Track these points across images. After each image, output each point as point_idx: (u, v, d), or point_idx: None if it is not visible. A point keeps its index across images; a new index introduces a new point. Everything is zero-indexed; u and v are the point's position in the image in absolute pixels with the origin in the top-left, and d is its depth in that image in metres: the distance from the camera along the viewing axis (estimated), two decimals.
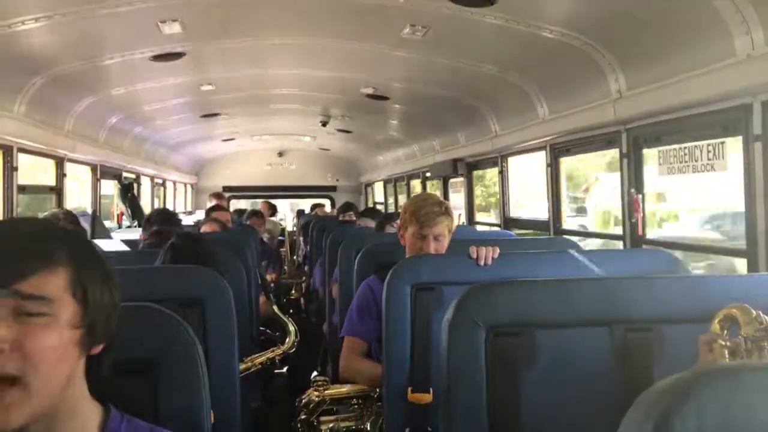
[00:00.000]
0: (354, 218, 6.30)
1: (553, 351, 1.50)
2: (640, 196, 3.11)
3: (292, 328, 3.17)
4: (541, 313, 1.53)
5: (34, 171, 4.76)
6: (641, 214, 3.08)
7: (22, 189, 4.06)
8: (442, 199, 2.71)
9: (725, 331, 1.26)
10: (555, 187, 4.13)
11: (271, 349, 2.92)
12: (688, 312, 1.52)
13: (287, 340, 3.05)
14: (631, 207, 3.11)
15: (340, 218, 6.80)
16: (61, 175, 4.78)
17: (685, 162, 2.80)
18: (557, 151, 4.10)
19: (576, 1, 3.00)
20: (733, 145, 2.60)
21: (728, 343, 1.22)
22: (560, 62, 3.50)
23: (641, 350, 1.52)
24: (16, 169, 3.91)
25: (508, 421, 1.48)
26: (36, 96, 3.96)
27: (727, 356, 1.20)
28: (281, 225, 9.60)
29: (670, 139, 2.93)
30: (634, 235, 3.15)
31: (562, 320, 1.53)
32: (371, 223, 5.19)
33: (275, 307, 3.66)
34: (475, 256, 2.23)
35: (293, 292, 7.25)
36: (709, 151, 2.69)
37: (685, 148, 2.81)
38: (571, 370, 1.50)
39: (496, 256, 2.23)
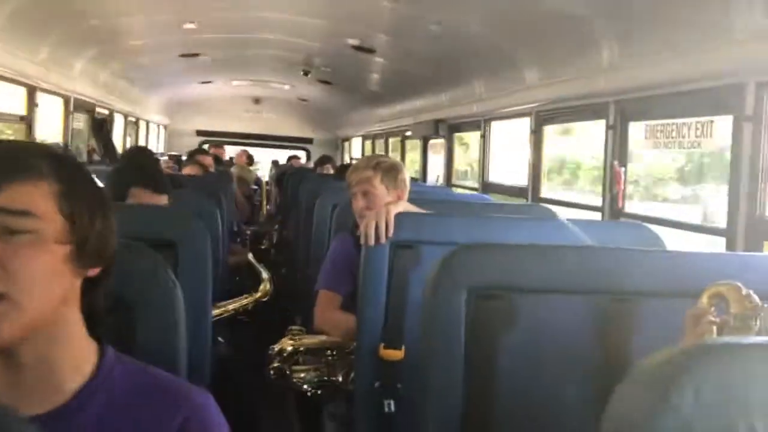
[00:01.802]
0: (332, 172, 6.25)
1: (533, 317, 1.50)
2: (623, 168, 3.11)
3: (266, 276, 3.15)
4: (524, 277, 1.52)
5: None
6: (622, 187, 3.09)
7: None
8: (393, 159, 2.71)
9: (713, 308, 1.26)
10: (537, 155, 4.12)
11: (245, 295, 2.89)
12: (671, 286, 1.52)
13: (261, 287, 3.02)
14: (613, 178, 3.11)
15: (317, 171, 6.74)
16: (32, 104, 4.63)
17: (672, 138, 2.81)
18: (542, 118, 4.08)
19: None
20: (721, 125, 2.61)
21: (716, 320, 1.22)
22: (553, 28, 3.46)
23: (622, 321, 1.52)
24: None
25: (483, 383, 1.47)
26: (9, 20, 3.79)
27: (714, 332, 1.20)
28: (256, 175, 9.52)
29: (659, 114, 2.92)
30: (613, 208, 3.16)
31: (544, 286, 1.52)
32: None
33: (250, 255, 3.62)
34: (366, 240, 2.06)
35: (264, 242, 7.21)
36: (697, 129, 2.69)
37: (673, 123, 2.81)
38: (550, 337, 1.50)
39: (390, 233, 2.06)
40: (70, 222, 0.91)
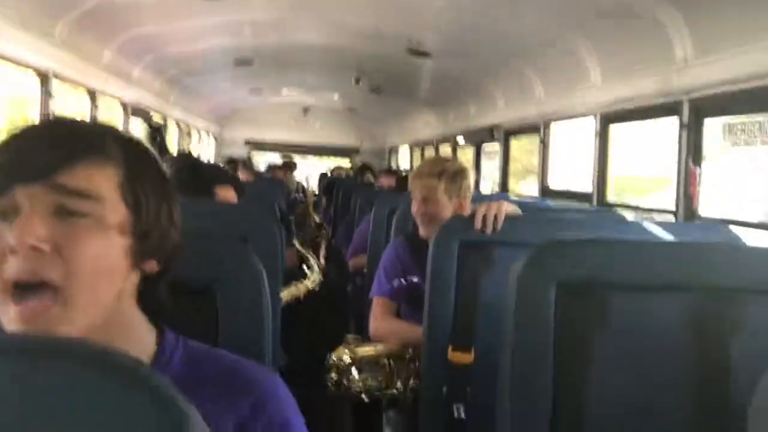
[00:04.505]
0: (372, 180, 6.28)
1: (626, 314, 1.41)
2: (698, 169, 2.98)
3: (314, 263, 3.06)
4: (616, 273, 1.43)
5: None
6: (697, 188, 2.95)
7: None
8: (459, 163, 2.62)
9: None
10: (602, 157, 3.99)
11: (294, 283, 2.80)
12: None
13: (310, 275, 2.93)
14: (688, 180, 2.98)
15: (358, 180, 6.75)
16: (94, 107, 4.74)
17: (753, 135, 2.67)
18: (608, 118, 3.95)
19: None
20: None
21: None
22: (620, 22, 3.34)
23: (719, 320, 1.42)
24: (51, 96, 3.85)
25: (573, 384, 1.39)
26: (75, 25, 3.88)
27: None
28: (298, 182, 9.62)
29: (737, 110, 2.78)
30: (687, 210, 3.03)
31: (638, 283, 1.43)
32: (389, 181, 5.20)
33: (296, 242, 3.55)
34: (479, 226, 2.04)
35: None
36: None
37: (756, 121, 2.67)
38: (644, 336, 1.41)
39: (501, 218, 2.04)
40: (134, 212, 0.84)
